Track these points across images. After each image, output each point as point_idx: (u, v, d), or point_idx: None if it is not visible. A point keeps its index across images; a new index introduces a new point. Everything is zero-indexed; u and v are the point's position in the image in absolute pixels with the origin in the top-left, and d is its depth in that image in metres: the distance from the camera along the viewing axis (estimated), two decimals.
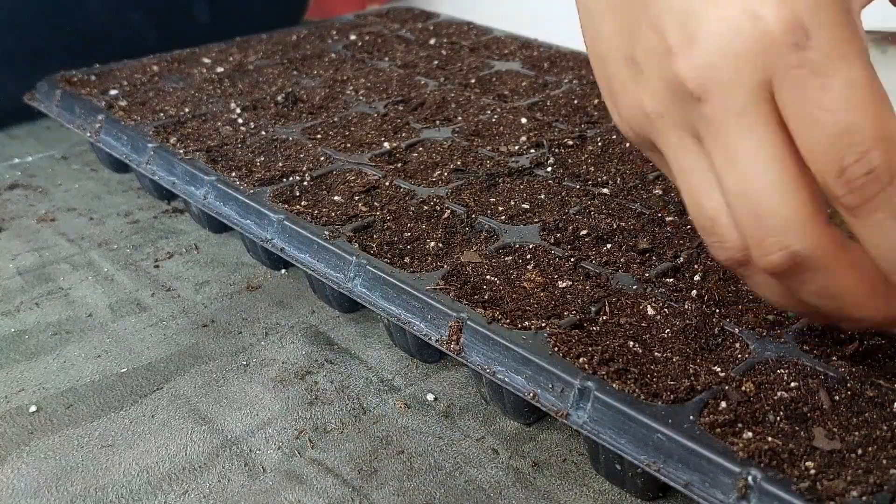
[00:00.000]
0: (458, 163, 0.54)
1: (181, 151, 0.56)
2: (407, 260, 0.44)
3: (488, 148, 0.56)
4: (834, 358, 0.35)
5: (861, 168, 0.26)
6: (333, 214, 0.48)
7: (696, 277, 0.41)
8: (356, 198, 0.50)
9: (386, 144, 0.57)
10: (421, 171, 0.53)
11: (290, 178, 0.52)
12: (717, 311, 0.39)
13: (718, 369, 0.35)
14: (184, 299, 0.51)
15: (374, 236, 0.46)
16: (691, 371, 0.35)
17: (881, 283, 0.29)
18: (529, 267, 0.43)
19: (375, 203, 0.49)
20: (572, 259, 0.43)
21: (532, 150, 0.56)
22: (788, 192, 0.27)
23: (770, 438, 0.31)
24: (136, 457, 0.39)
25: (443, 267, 0.43)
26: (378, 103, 0.64)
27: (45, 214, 0.61)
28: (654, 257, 0.43)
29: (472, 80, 0.69)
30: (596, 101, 0.64)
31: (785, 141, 0.27)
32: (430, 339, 0.39)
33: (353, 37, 0.81)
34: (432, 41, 0.79)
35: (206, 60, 0.74)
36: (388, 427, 0.40)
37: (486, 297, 0.40)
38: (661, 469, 0.31)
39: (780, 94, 0.26)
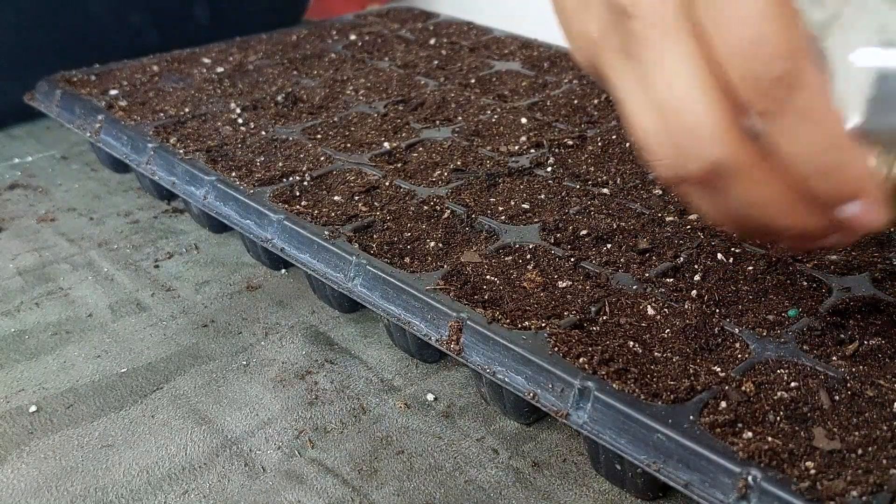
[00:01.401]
0: (458, 163, 0.54)
1: (181, 151, 0.56)
2: (407, 260, 0.44)
3: (488, 148, 0.56)
4: (834, 358, 0.35)
5: (769, 75, 0.27)
6: (333, 214, 0.48)
7: (696, 277, 0.41)
8: (356, 198, 0.50)
9: (386, 144, 0.57)
10: (421, 171, 0.53)
11: (290, 178, 0.52)
12: (717, 311, 0.39)
13: (718, 369, 0.35)
14: (184, 299, 0.51)
15: (374, 236, 0.46)
16: (691, 371, 0.35)
17: (803, 192, 0.30)
18: (529, 267, 0.43)
19: (375, 203, 0.49)
20: (572, 259, 0.43)
21: (532, 150, 0.56)
22: (709, 102, 0.28)
23: (770, 438, 0.31)
24: (136, 457, 0.39)
25: (443, 267, 0.43)
26: (378, 103, 0.64)
27: (45, 214, 0.61)
28: (654, 257, 0.43)
29: (472, 80, 0.69)
30: (596, 101, 0.64)
31: (706, 55, 0.28)
32: (430, 339, 0.39)
33: (353, 37, 0.81)
34: (432, 41, 0.79)
35: (206, 60, 0.74)
36: (388, 427, 0.40)
37: (486, 297, 0.40)
38: (661, 469, 0.31)
39: (699, 8, 0.28)
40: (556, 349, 0.36)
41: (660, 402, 0.33)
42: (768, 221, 0.31)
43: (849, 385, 0.34)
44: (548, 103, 0.64)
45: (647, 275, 0.41)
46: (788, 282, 0.41)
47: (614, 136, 0.57)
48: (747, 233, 0.35)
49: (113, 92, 0.66)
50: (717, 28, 0.28)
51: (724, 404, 0.33)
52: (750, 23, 0.27)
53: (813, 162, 0.29)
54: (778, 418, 0.32)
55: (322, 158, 0.55)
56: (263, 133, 0.59)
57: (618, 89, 0.31)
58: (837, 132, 0.28)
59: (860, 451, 0.30)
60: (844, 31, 0.30)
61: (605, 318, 0.38)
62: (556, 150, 0.56)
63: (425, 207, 0.49)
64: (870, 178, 0.29)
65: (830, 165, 0.29)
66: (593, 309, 0.39)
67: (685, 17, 0.28)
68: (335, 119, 0.61)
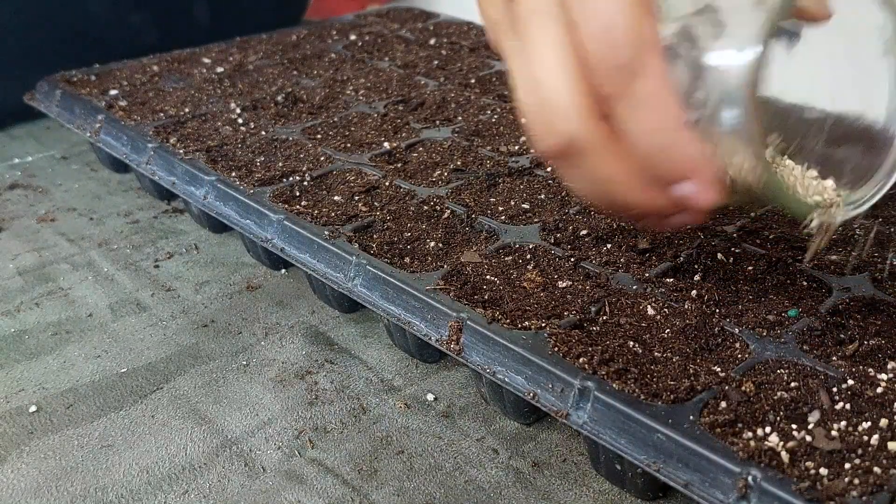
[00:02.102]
0: (458, 163, 0.54)
1: (181, 151, 0.56)
2: (407, 260, 0.44)
3: (488, 148, 0.56)
4: (834, 358, 0.35)
5: (616, 61, 0.30)
6: (333, 214, 0.48)
7: (696, 277, 0.41)
8: (356, 198, 0.50)
9: (386, 144, 0.57)
10: (421, 171, 0.53)
11: (290, 178, 0.52)
12: (717, 311, 0.39)
13: (718, 369, 0.35)
14: (184, 299, 0.51)
15: (374, 236, 0.46)
16: (691, 371, 0.35)
17: (645, 171, 0.33)
18: (529, 267, 0.43)
19: (375, 203, 0.49)
20: (572, 259, 0.43)
21: (532, 150, 0.56)
22: (569, 82, 0.31)
23: (770, 438, 0.31)
24: (136, 457, 0.39)
25: (443, 267, 0.43)
26: (378, 103, 0.64)
27: (45, 214, 0.61)
28: (654, 257, 0.43)
29: (472, 80, 0.69)
30: None
31: (573, 40, 0.31)
32: (430, 339, 0.39)
33: (353, 37, 0.81)
34: (432, 41, 0.79)
35: (206, 60, 0.74)
36: (388, 427, 0.40)
37: (486, 297, 0.40)
38: (661, 469, 0.31)
39: None
40: (556, 349, 0.36)
41: (660, 402, 0.33)
42: (618, 197, 0.34)
43: (849, 385, 0.34)
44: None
45: (647, 275, 0.41)
46: (788, 282, 0.41)
47: None
48: (609, 209, 0.38)
49: (113, 92, 0.66)
50: (581, 16, 0.31)
51: (724, 404, 0.33)
52: (606, 14, 0.30)
53: (650, 143, 0.32)
54: (778, 418, 0.32)
55: (322, 158, 0.55)
56: (263, 133, 0.59)
57: (509, 66, 0.34)
58: (672, 118, 0.31)
59: (860, 451, 0.30)
60: (708, 28, 0.32)
61: (605, 318, 0.38)
62: None
63: (425, 207, 0.49)
64: (700, 160, 0.32)
65: (664, 147, 0.32)
66: (593, 309, 0.39)
67: (560, 4, 0.31)
68: (335, 119, 0.61)
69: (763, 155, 0.32)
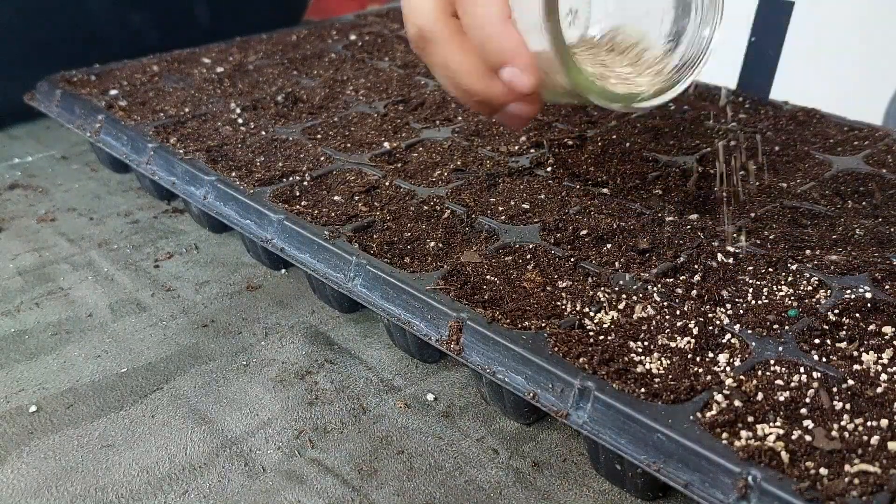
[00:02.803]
0: (458, 163, 0.54)
1: (181, 151, 0.56)
2: (407, 260, 0.44)
3: (488, 148, 0.56)
4: (834, 358, 0.35)
5: None
6: (333, 214, 0.48)
7: (696, 277, 0.41)
8: (356, 198, 0.50)
9: (386, 144, 0.57)
10: (421, 171, 0.53)
11: (290, 178, 0.52)
12: (717, 310, 0.39)
13: (718, 369, 0.35)
14: (184, 299, 0.51)
15: (374, 236, 0.46)
16: (691, 371, 0.35)
17: (486, 67, 0.39)
18: (529, 267, 0.43)
19: (375, 203, 0.49)
20: (572, 259, 0.43)
21: (532, 150, 0.56)
22: None
23: (770, 438, 0.31)
24: (136, 457, 0.39)
25: (443, 267, 0.43)
26: (378, 103, 0.64)
27: (45, 214, 0.61)
28: (654, 257, 0.43)
29: None
30: None
31: None
32: (430, 339, 0.39)
33: (353, 37, 0.81)
34: None
35: (206, 60, 0.74)
36: (388, 427, 0.40)
37: (486, 297, 0.40)
38: (661, 469, 0.31)
39: None
40: (556, 349, 0.36)
41: (660, 402, 0.33)
42: (463, 84, 0.40)
43: (849, 385, 0.34)
44: (549, 104, 0.63)
45: (647, 275, 0.41)
46: (788, 281, 0.41)
47: (614, 136, 0.57)
48: (460, 97, 0.42)
49: (113, 92, 0.66)
50: None
51: (724, 404, 0.33)
52: None
53: (479, 34, 0.39)
54: (778, 418, 0.32)
55: (322, 158, 0.55)
56: (263, 133, 0.59)
57: None
58: (497, 12, 0.38)
59: (860, 451, 0.30)
60: None
61: (605, 317, 0.38)
62: (556, 150, 0.56)
63: (425, 207, 0.49)
64: (518, 48, 0.38)
65: (490, 36, 0.38)
66: (593, 309, 0.39)
67: None
68: (335, 119, 0.61)
69: (564, 52, 0.38)
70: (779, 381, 0.34)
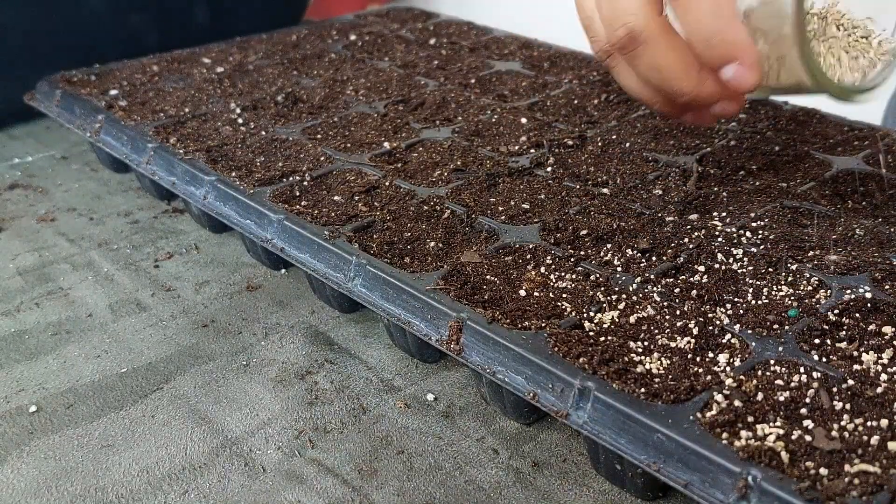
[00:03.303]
0: (458, 163, 0.54)
1: (181, 151, 0.56)
2: (407, 260, 0.44)
3: (488, 148, 0.56)
4: (834, 358, 0.35)
5: None
6: (333, 214, 0.48)
7: (696, 277, 0.41)
8: (356, 198, 0.50)
9: (386, 144, 0.57)
10: (421, 171, 0.53)
11: (290, 178, 0.52)
12: (717, 310, 0.39)
13: (718, 369, 0.35)
14: (184, 299, 0.51)
15: (374, 236, 0.46)
16: (691, 371, 0.35)
17: (696, 64, 0.39)
18: (529, 267, 0.43)
19: (375, 203, 0.49)
20: (572, 259, 0.43)
21: (532, 150, 0.56)
22: None
23: (770, 438, 0.31)
24: (136, 457, 0.39)
25: (443, 267, 0.43)
26: (378, 103, 0.64)
27: (45, 214, 0.61)
28: (654, 257, 0.43)
29: (472, 80, 0.69)
30: (596, 101, 0.64)
31: None
32: (430, 339, 0.39)
33: (353, 37, 0.81)
34: (432, 41, 0.79)
35: (206, 60, 0.74)
36: (388, 427, 0.40)
37: (486, 297, 0.40)
38: (661, 469, 0.31)
39: None
40: (556, 349, 0.36)
41: (660, 402, 0.33)
42: (671, 85, 0.39)
43: (849, 385, 0.34)
44: (548, 103, 0.64)
45: (647, 275, 0.41)
46: (788, 281, 0.41)
47: (614, 136, 0.57)
48: (658, 101, 0.42)
49: (113, 92, 0.66)
50: None
51: (724, 404, 0.33)
52: None
53: (703, 29, 0.37)
54: (778, 418, 0.32)
55: (322, 158, 0.55)
56: (263, 133, 0.59)
57: None
58: (724, 5, 0.36)
59: (860, 451, 0.30)
60: None
61: (605, 317, 0.38)
62: (556, 150, 0.56)
63: (425, 207, 0.49)
64: (746, 44, 0.37)
65: (716, 32, 0.37)
66: (593, 309, 0.39)
67: None
68: (335, 119, 0.61)
69: (804, 35, 0.37)
70: (779, 381, 0.34)
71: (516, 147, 0.56)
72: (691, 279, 0.41)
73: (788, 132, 0.57)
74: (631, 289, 0.40)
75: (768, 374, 0.35)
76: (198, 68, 0.72)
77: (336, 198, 0.50)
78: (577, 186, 0.51)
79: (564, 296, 0.40)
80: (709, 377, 0.34)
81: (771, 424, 0.32)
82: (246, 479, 0.38)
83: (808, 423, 0.32)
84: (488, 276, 0.42)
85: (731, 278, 0.41)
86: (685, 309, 0.39)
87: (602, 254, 0.43)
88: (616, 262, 0.43)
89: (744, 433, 0.31)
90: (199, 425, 0.41)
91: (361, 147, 0.57)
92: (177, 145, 0.57)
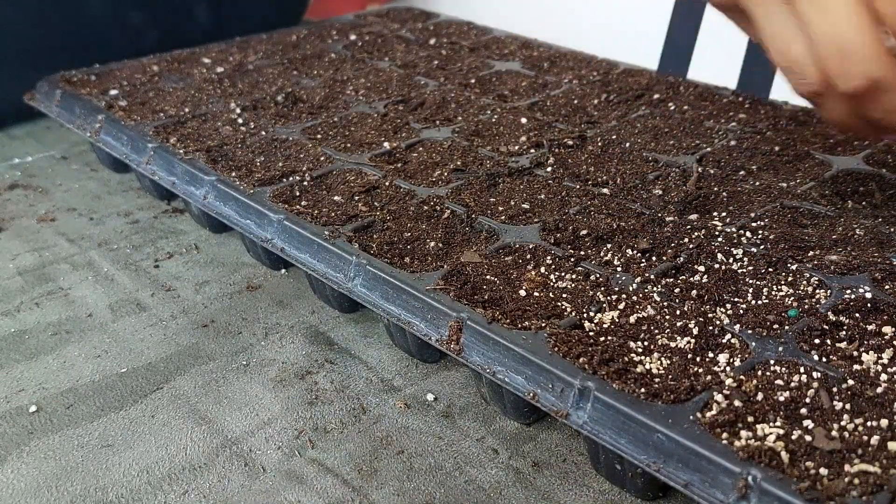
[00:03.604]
0: (458, 163, 0.54)
1: (181, 151, 0.56)
2: (407, 260, 0.44)
3: (488, 148, 0.56)
4: (834, 358, 0.35)
5: None
6: (333, 214, 0.48)
7: (696, 277, 0.41)
8: (356, 198, 0.50)
9: (386, 144, 0.57)
10: (421, 171, 0.53)
11: (290, 178, 0.52)
12: (717, 310, 0.39)
13: (718, 369, 0.35)
14: (184, 299, 0.51)
15: (374, 236, 0.46)
16: (691, 371, 0.35)
17: None
18: (529, 267, 0.43)
19: (375, 203, 0.49)
20: (572, 259, 0.43)
21: (532, 150, 0.56)
22: (868, 33, 0.36)
23: (770, 438, 0.31)
24: (136, 457, 0.39)
25: (443, 267, 0.43)
26: (378, 103, 0.64)
27: (45, 214, 0.61)
28: (654, 257, 0.43)
29: (472, 80, 0.69)
30: (596, 101, 0.64)
31: None
32: (430, 339, 0.39)
33: (353, 37, 0.81)
34: (432, 41, 0.79)
35: (206, 60, 0.74)
36: (388, 427, 0.40)
37: (486, 297, 0.40)
38: (661, 469, 0.31)
39: None
40: (556, 349, 0.36)
41: (660, 402, 0.33)
42: None
43: (849, 385, 0.34)
44: (548, 103, 0.64)
45: (647, 275, 0.41)
46: (788, 281, 0.41)
47: (614, 136, 0.57)
48: (873, 133, 0.43)
49: (113, 92, 0.66)
50: None
51: (724, 404, 0.33)
52: None
53: None
54: (778, 418, 0.32)
55: (322, 158, 0.55)
56: (263, 133, 0.59)
57: (764, 22, 0.40)
58: None
59: (860, 451, 0.30)
60: None
61: (605, 317, 0.38)
62: (556, 150, 0.56)
63: (425, 207, 0.49)
64: None
65: None
66: (593, 309, 0.39)
67: None
68: (335, 119, 0.61)
69: None
70: (779, 381, 0.34)
71: (516, 147, 0.56)
72: (691, 279, 0.41)
73: (788, 132, 0.57)
74: (631, 289, 0.40)
75: (768, 374, 0.35)
76: (198, 68, 0.72)
77: (336, 198, 0.50)
78: (577, 186, 0.51)
79: (564, 296, 0.40)
80: (709, 377, 0.34)
81: (771, 424, 0.32)
82: (246, 479, 0.38)
83: (808, 423, 0.32)
84: (488, 276, 0.42)
85: (731, 278, 0.41)
86: (685, 309, 0.39)
87: (602, 254, 0.43)
88: (616, 262, 0.43)
89: (744, 433, 0.31)
90: (199, 425, 0.41)
91: (361, 147, 0.57)
92: (177, 145, 0.57)
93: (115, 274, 0.54)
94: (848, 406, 0.33)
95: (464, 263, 0.43)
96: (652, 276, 0.41)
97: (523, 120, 0.60)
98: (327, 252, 0.44)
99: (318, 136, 0.59)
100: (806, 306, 0.39)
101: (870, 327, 0.37)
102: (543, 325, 0.37)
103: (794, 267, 0.42)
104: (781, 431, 0.31)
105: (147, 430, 0.41)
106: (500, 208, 0.48)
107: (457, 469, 0.38)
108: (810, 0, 0.37)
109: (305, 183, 0.52)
